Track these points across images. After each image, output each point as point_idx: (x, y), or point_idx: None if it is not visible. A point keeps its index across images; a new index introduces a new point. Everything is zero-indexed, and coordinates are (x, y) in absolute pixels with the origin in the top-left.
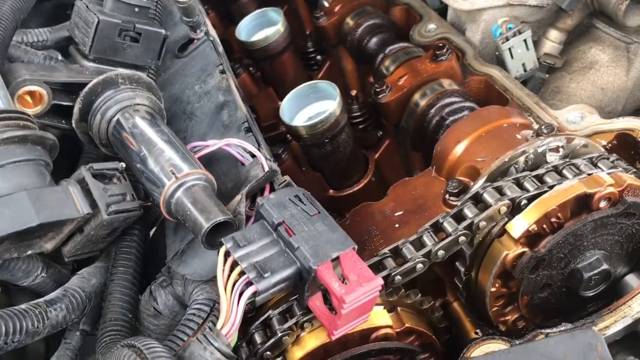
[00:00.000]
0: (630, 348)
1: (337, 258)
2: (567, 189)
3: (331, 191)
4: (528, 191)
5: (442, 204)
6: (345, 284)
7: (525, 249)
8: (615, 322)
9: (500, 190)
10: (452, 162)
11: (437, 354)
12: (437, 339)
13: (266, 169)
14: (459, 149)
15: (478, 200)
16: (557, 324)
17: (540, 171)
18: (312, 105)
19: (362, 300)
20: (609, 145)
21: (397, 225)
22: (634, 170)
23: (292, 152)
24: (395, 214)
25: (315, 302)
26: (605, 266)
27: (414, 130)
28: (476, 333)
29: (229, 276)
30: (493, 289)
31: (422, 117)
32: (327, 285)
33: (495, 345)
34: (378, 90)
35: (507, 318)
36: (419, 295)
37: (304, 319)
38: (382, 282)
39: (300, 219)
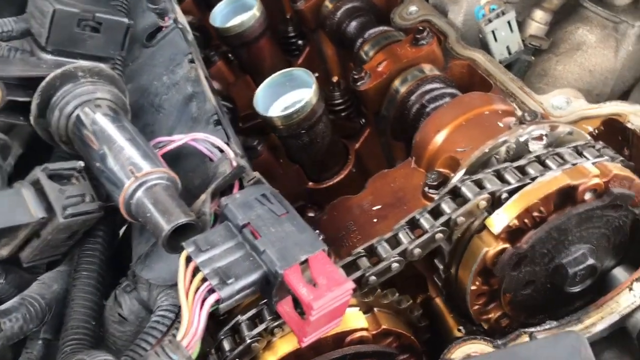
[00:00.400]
0: (617, 345)
1: (306, 261)
2: (550, 181)
3: (310, 183)
4: (509, 184)
5: (421, 197)
6: (316, 287)
7: (507, 245)
8: (601, 318)
9: (479, 184)
10: (432, 153)
11: (417, 354)
12: (417, 338)
13: (234, 165)
14: (439, 139)
15: (457, 194)
16: (542, 321)
17: (522, 162)
18: (287, 95)
19: (332, 305)
20: (596, 131)
21: (375, 220)
22: (621, 158)
23: (270, 143)
24: (374, 208)
25: (285, 307)
26: (591, 261)
27: (394, 119)
28: (459, 330)
29: (190, 283)
30: (473, 287)
31: (403, 105)
32: (294, 291)
33: (477, 346)
34: (356, 77)
35: (489, 316)
36: (397, 294)
37: (274, 324)
38: (352, 285)
39: (267, 220)
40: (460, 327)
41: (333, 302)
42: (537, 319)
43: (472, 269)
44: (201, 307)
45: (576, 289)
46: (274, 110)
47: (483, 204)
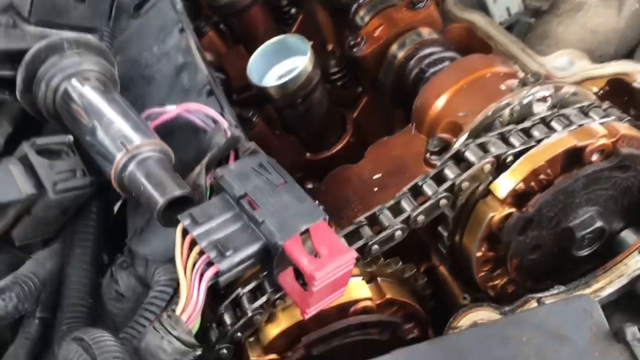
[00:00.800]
0: (627, 309)
1: (307, 231)
2: (556, 143)
3: (308, 154)
4: (514, 147)
5: (423, 164)
6: (318, 258)
7: (513, 210)
8: (610, 282)
9: (483, 147)
10: (433, 118)
11: (422, 323)
12: (421, 307)
13: (229, 135)
14: (439, 104)
15: (460, 159)
16: (549, 286)
17: (526, 124)
18: (282, 63)
19: (335, 275)
20: (601, 92)
21: (375, 189)
22: (628, 118)
23: (265, 114)
24: (374, 177)
25: (286, 278)
26: (599, 224)
27: (393, 85)
28: (464, 298)
29: (188, 256)
30: (479, 254)
31: (401, 70)
32: (296, 262)
33: (484, 313)
34: (352, 43)
35: (495, 283)
36: (400, 263)
37: (276, 296)
38: (355, 254)
39: (265, 190)
40: (466, 295)
41: (336, 272)
42: (544, 284)
43: (478, 235)
44: (200, 281)
45: (584, 253)
46: (269, 80)
47: (488, 167)
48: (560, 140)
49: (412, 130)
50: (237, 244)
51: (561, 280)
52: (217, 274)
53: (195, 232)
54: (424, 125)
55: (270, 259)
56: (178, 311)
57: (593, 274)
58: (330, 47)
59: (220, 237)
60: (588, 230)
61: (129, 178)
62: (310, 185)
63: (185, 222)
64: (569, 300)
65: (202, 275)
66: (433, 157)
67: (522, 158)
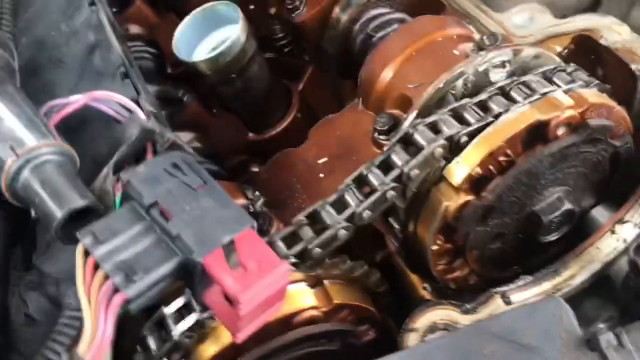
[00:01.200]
0: (599, 295)
1: (232, 242)
2: (516, 118)
3: (251, 134)
4: (469, 124)
5: (372, 144)
6: (246, 271)
7: (470, 197)
8: (582, 268)
9: (434, 127)
10: (380, 92)
11: (377, 324)
12: (377, 304)
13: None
14: (387, 75)
15: (408, 142)
16: (515, 273)
17: (482, 96)
18: (213, 34)
19: (266, 293)
20: (566, 50)
21: (321, 176)
22: (597, 82)
23: (201, 92)
24: (319, 162)
25: (213, 297)
26: (567, 205)
27: (338, 53)
28: (424, 288)
29: (92, 281)
30: (435, 247)
31: (346, 36)
32: (218, 282)
33: (443, 312)
34: (290, 7)
35: (456, 275)
36: (349, 261)
37: (204, 316)
38: (288, 267)
39: (180, 196)
40: (426, 285)
41: (267, 290)
42: (510, 271)
43: (432, 227)
44: (107, 310)
45: (552, 238)
46: (199, 54)
47: (439, 151)
48: (521, 115)
49: (359, 105)
50: (149, 263)
51: (528, 266)
52: (127, 302)
53: (98, 253)
54: (371, 100)
55: (192, 277)
56: (82, 348)
57: (562, 260)
58: (273, 10)
59: (128, 256)
60: (556, 214)
61: (23, 187)
62: (256, 169)
63: (85, 240)
64: (535, 305)
65: (109, 302)
66: (382, 137)
67: (478, 138)
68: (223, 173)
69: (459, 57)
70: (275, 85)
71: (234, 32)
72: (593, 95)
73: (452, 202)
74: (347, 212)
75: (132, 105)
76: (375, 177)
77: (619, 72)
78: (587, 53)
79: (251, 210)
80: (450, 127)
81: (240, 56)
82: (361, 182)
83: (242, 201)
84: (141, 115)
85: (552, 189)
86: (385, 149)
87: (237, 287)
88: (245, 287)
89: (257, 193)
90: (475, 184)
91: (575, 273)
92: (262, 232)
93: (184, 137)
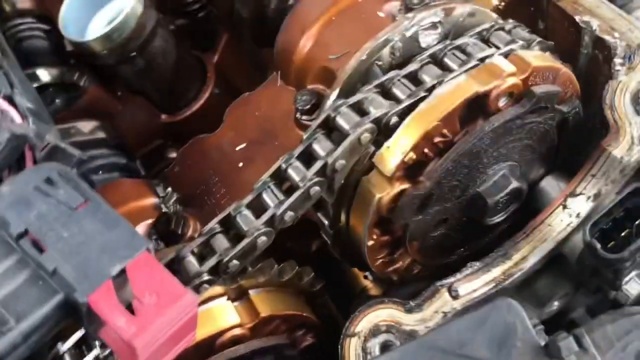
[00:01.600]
0: (552, 272)
1: (123, 272)
2: (452, 93)
3: (164, 116)
4: (398, 102)
5: (295, 126)
6: (142, 306)
7: (405, 186)
8: (533, 249)
9: (359, 108)
10: (300, 63)
11: (314, 327)
12: (314, 304)
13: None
14: (306, 43)
15: (331, 128)
16: (462, 256)
17: (413, 66)
18: (106, 7)
19: (168, 331)
20: (502, 4)
21: (240, 165)
22: (538, 39)
23: (99, 75)
24: (237, 149)
25: (110, 333)
26: (514, 184)
27: (252, 18)
28: (365, 277)
29: None
30: (371, 242)
31: None
32: (108, 325)
33: (386, 312)
34: None
35: (397, 266)
36: (276, 266)
37: (106, 352)
38: (195, 298)
39: (57, 220)
40: (367, 274)
41: (170, 326)
42: (456, 254)
43: (365, 222)
44: None
45: (499, 219)
46: (92, 33)
47: (367, 137)
48: (457, 88)
49: (278, 80)
50: (23, 305)
51: (475, 248)
52: None
53: None
54: (290, 73)
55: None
56: None
57: (512, 241)
58: None
59: None
60: (502, 195)
61: None
62: (173, 154)
63: None
64: (485, 312)
65: None
66: (305, 117)
67: (409, 118)
68: (133, 166)
69: (384, 20)
70: (186, 59)
71: (127, 3)
72: (536, 57)
73: (384, 193)
74: (266, 215)
75: (3, 104)
76: (295, 172)
77: (561, 25)
78: (525, 4)
79: (163, 211)
80: (378, 107)
81: (138, 30)
82: (281, 178)
83: (152, 200)
84: (14, 115)
85: (496, 166)
86: (307, 133)
87: (130, 330)
88: (142, 328)
89: (169, 190)
90: (410, 170)
91: (527, 255)
92: (177, 235)
93: (85, 126)
